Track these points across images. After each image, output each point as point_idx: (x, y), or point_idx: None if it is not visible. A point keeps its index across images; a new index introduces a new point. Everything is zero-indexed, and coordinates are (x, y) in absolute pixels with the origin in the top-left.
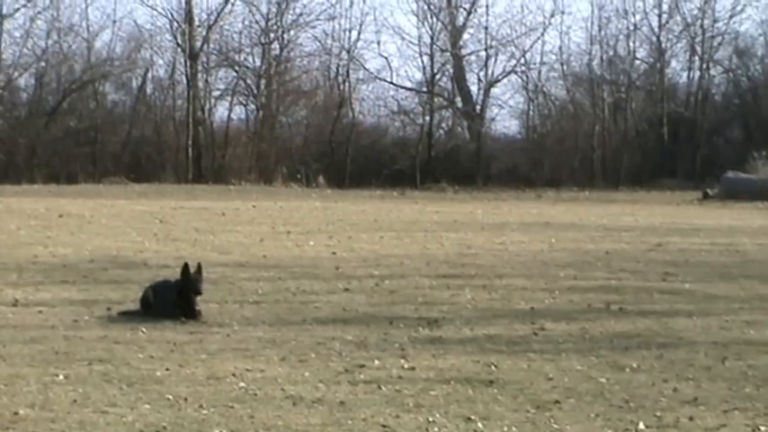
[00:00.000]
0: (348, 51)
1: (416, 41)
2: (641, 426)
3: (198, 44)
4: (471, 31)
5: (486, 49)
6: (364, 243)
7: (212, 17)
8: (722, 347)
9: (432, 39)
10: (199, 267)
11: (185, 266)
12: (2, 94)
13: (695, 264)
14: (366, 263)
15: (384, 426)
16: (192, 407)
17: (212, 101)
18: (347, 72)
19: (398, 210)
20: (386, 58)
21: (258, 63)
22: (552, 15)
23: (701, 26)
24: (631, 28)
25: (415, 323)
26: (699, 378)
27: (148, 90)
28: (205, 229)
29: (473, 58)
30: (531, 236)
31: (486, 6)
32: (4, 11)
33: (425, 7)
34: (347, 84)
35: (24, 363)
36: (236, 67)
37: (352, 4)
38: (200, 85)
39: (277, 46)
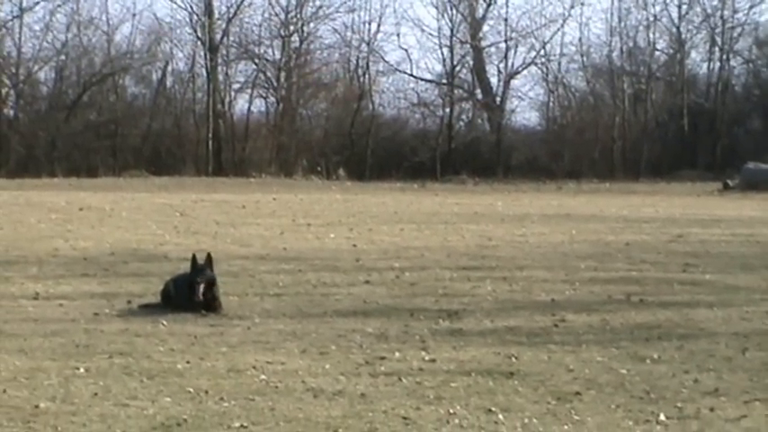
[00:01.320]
0: (368, 44)
1: (436, 33)
2: (662, 417)
3: (218, 37)
4: (491, 22)
5: (505, 41)
6: (385, 235)
7: (232, 10)
8: (743, 338)
9: (451, 31)
10: (208, 257)
11: (193, 257)
12: (22, 88)
13: (716, 255)
14: (386, 255)
15: (405, 418)
16: (213, 399)
17: (232, 94)
18: (367, 64)
19: (419, 202)
20: (405, 51)
21: (278, 56)
22: (572, 7)
23: (721, 17)
24: (651, 19)
25: (435, 315)
26: (720, 369)
27: (168, 83)
28: (225, 221)
29: (493, 49)
30: (551, 227)
31: None
32: (24, 4)
33: None
34: (367, 76)
35: (45, 356)
36: (256, 60)
37: None
38: (220, 77)
39: (297, 38)
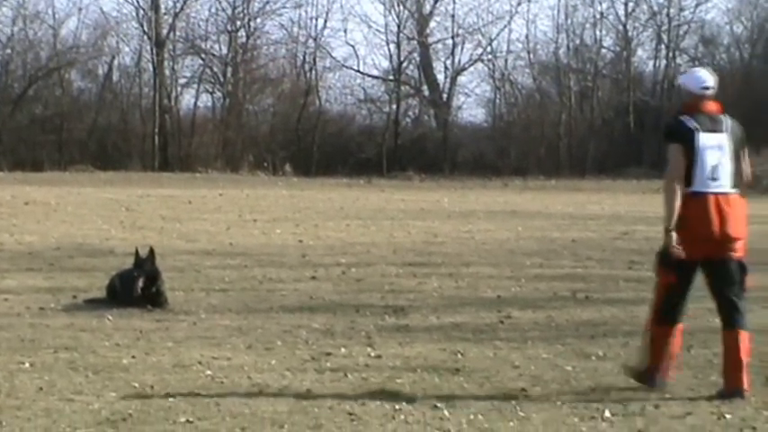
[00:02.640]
0: (315, 39)
1: (383, 29)
2: (607, 414)
3: (164, 32)
4: (438, 19)
5: (452, 38)
6: (331, 231)
7: (179, 4)
8: (687, 336)
9: (398, 27)
10: (151, 251)
11: (136, 252)
12: None
13: None
14: (333, 251)
15: (350, 413)
16: (159, 395)
17: (179, 89)
18: (314, 60)
19: (365, 198)
20: (352, 47)
21: (225, 51)
22: (519, 4)
23: (668, 15)
24: (598, 16)
25: (381, 311)
26: None
27: (115, 78)
28: (171, 216)
29: (440, 46)
30: (497, 224)
31: None
32: None
33: None
34: (314, 72)
35: None
36: (203, 55)
37: None
38: (167, 72)
39: (243, 34)
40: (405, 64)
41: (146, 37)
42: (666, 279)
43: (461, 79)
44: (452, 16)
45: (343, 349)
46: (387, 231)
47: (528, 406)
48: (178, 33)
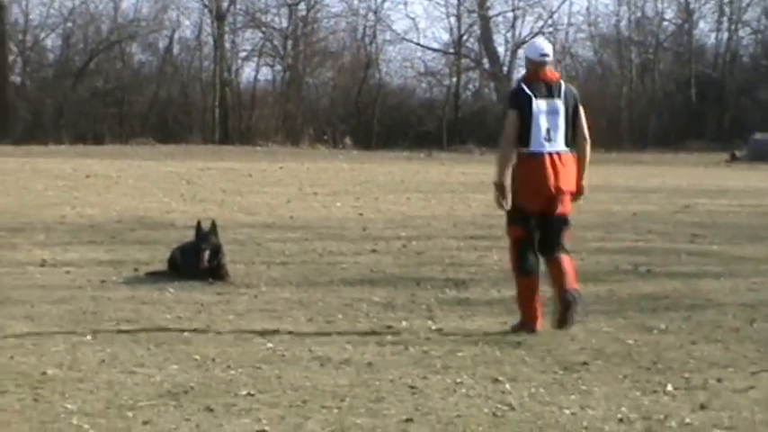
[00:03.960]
0: (375, 12)
1: (443, 2)
2: (669, 387)
3: (224, 5)
4: None
5: (513, 10)
6: (391, 204)
7: None
8: (750, 309)
9: (459, 0)
10: (213, 225)
11: (198, 225)
12: (29, 55)
13: (723, 225)
14: (393, 224)
15: (412, 387)
16: (220, 367)
17: (239, 62)
18: (374, 33)
19: (425, 171)
20: (413, 20)
21: (285, 24)
22: None
23: None
24: None
25: (442, 284)
26: (727, 340)
27: (175, 51)
28: (232, 189)
29: (500, 18)
30: None
31: None
32: None
33: None
34: (374, 45)
35: (52, 323)
36: (263, 28)
37: None
38: (227, 46)
39: (304, 7)
40: (465, 37)
41: (206, 10)
42: (516, 234)
43: (522, 52)
44: None
45: (404, 322)
46: (447, 204)
47: (589, 379)
48: (238, 6)
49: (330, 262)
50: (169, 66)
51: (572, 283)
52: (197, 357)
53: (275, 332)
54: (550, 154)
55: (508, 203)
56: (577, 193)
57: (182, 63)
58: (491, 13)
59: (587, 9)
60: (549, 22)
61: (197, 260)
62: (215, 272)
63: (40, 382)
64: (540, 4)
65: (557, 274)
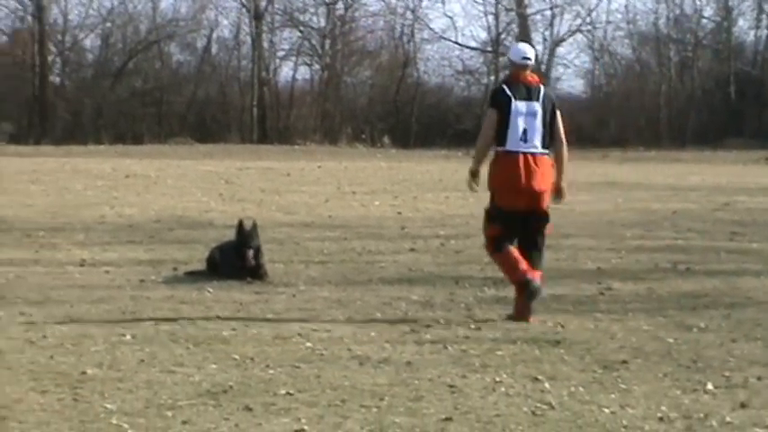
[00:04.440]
0: (413, 11)
1: (482, 1)
2: (709, 386)
3: (263, 4)
4: None
5: (551, 9)
6: (429, 203)
7: None
8: None
9: None
10: (253, 225)
11: (239, 224)
12: (68, 55)
13: (762, 223)
14: (431, 223)
15: (451, 386)
16: (259, 366)
17: (277, 61)
18: (412, 32)
19: (463, 169)
20: (451, 18)
21: (323, 23)
22: None
23: None
24: None
25: (480, 283)
26: (767, 338)
27: (213, 50)
28: (270, 189)
29: (538, 17)
30: (597, 195)
31: None
32: None
33: None
34: (412, 44)
35: (92, 322)
36: (301, 28)
37: None
38: (265, 45)
39: (341, 6)
40: (503, 35)
41: (244, 10)
42: (492, 233)
43: (560, 50)
44: None
45: (442, 321)
46: (485, 203)
47: (629, 378)
48: (276, 6)
49: (369, 261)
50: (207, 65)
51: (537, 274)
52: (236, 357)
53: (314, 331)
54: (525, 154)
55: (477, 187)
56: (556, 195)
57: (220, 63)
58: (529, 11)
59: (626, 7)
60: (588, 19)
61: (238, 259)
62: (254, 271)
63: (80, 381)
64: (579, 2)
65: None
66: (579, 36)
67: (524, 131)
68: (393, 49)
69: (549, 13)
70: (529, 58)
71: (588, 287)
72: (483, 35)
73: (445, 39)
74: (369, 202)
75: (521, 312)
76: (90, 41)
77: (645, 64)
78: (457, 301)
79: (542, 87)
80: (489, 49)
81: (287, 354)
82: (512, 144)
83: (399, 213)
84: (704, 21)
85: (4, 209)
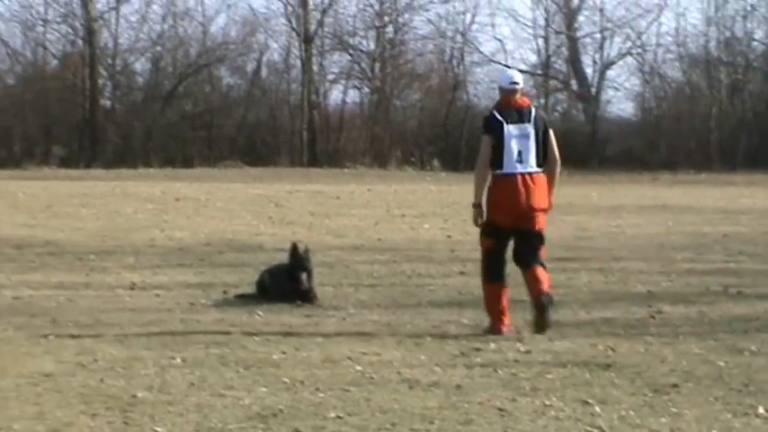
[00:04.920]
0: (462, 34)
1: (531, 24)
2: (761, 410)
3: (312, 28)
4: (586, 12)
5: (601, 31)
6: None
7: (326, 1)
8: None
9: (546, 21)
10: (305, 249)
11: (293, 247)
12: (118, 79)
13: None
14: None
15: (500, 409)
16: (309, 390)
17: (327, 84)
18: (461, 55)
19: None
20: (500, 41)
21: (372, 46)
22: None
23: None
24: (748, 9)
25: (530, 306)
26: None
27: (263, 74)
28: (320, 212)
29: (588, 40)
30: (647, 218)
31: None
32: None
33: None
34: (461, 67)
35: (142, 345)
36: (351, 51)
37: None
38: (315, 68)
39: (391, 29)
40: (553, 58)
41: (294, 33)
42: (486, 246)
43: (610, 73)
44: (601, 10)
45: (492, 344)
46: None
47: (680, 402)
48: (326, 29)
49: (418, 284)
50: (257, 89)
51: (544, 287)
52: (286, 380)
53: (364, 354)
54: (522, 174)
55: (482, 220)
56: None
57: (270, 86)
58: (579, 34)
59: (676, 30)
60: (638, 42)
61: (291, 282)
62: (304, 294)
63: (130, 405)
64: (629, 25)
65: (530, 282)
66: (629, 59)
67: (519, 153)
68: (443, 72)
69: (599, 35)
70: (517, 83)
71: (639, 310)
72: (533, 58)
73: (495, 62)
74: (418, 225)
75: (492, 328)
76: (140, 65)
77: (695, 87)
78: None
79: (533, 109)
80: (539, 72)
81: (337, 377)
82: (508, 166)
83: (449, 236)
84: (755, 43)
85: (55, 232)
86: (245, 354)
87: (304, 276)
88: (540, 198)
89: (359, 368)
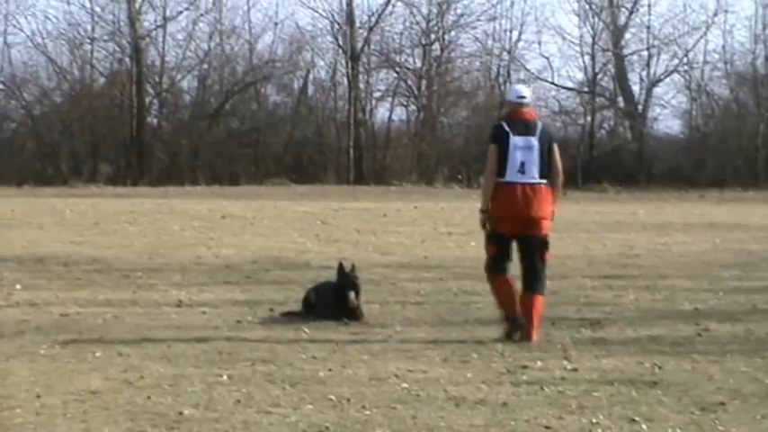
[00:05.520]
0: (509, 52)
1: (578, 41)
2: None
3: (359, 45)
4: (633, 30)
5: (648, 49)
6: None
7: (373, 19)
8: None
9: (593, 38)
10: (352, 267)
11: (340, 265)
12: (165, 97)
13: None
14: None
15: (547, 427)
16: (355, 407)
17: (373, 102)
18: (508, 72)
19: (560, 210)
20: (547, 59)
21: (419, 64)
22: (715, 14)
23: None
24: None
25: (577, 324)
26: None
27: (310, 91)
28: (366, 230)
29: (635, 57)
30: (694, 236)
31: (649, 5)
32: (168, 14)
33: (587, 7)
34: (508, 84)
35: (188, 363)
36: (397, 69)
37: (512, 4)
38: (362, 86)
39: (438, 47)
40: (599, 75)
41: (340, 51)
42: (491, 252)
43: (657, 90)
44: (648, 27)
45: (539, 362)
46: (582, 244)
47: (727, 420)
48: (372, 47)
49: (465, 302)
50: (304, 106)
51: (533, 326)
52: (332, 397)
53: (410, 372)
54: (523, 185)
55: (489, 225)
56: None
57: (316, 104)
58: (625, 51)
59: (723, 47)
60: (685, 60)
61: (341, 300)
62: (350, 312)
63: (177, 422)
64: (676, 43)
65: (524, 309)
66: (676, 76)
67: (522, 164)
68: (489, 90)
69: (645, 53)
70: (524, 97)
71: (685, 328)
72: (579, 75)
73: (541, 79)
74: (465, 243)
75: (510, 324)
76: (187, 83)
77: (742, 104)
78: (553, 342)
79: (539, 123)
80: (586, 89)
81: (383, 394)
82: (510, 175)
83: None
84: None
85: (102, 250)
86: (292, 371)
87: (352, 295)
88: (539, 207)
89: (405, 385)
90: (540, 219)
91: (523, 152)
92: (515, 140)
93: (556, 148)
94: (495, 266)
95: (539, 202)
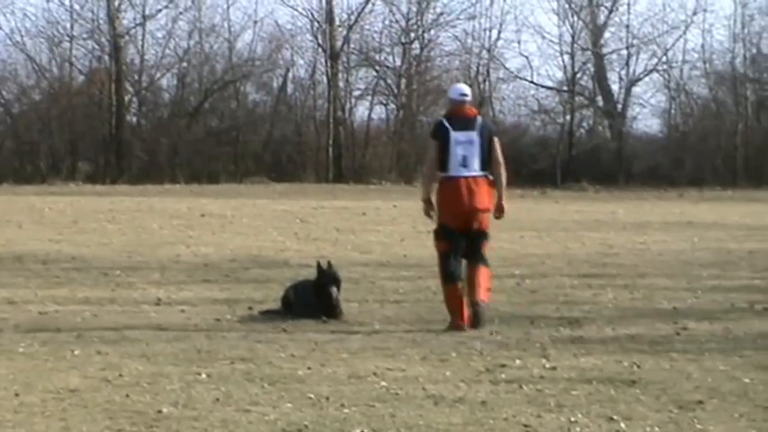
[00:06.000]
0: (488, 50)
1: (557, 40)
2: None
3: (338, 44)
4: (612, 29)
5: (627, 48)
6: (504, 242)
7: (353, 17)
8: None
9: (572, 37)
10: (329, 264)
11: (318, 265)
12: (144, 95)
13: None
14: (506, 262)
15: (526, 425)
16: (334, 406)
17: (353, 101)
18: (487, 71)
19: (539, 209)
20: (526, 57)
21: (398, 63)
22: (694, 13)
23: None
24: None
25: (556, 323)
26: None
27: (289, 90)
28: (346, 228)
29: (614, 56)
30: (673, 235)
31: (628, 5)
32: (147, 12)
33: (566, 6)
34: (487, 83)
35: (167, 361)
36: (377, 67)
37: (492, 3)
38: (341, 84)
39: (417, 45)
40: (579, 75)
41: (320, 49)
42: (441, 248)
43: (636, 89)
44: (627, 27)
45: (517, 361)
46: (561, 242)
47: (705, 418)
48: (352, 46)
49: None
50: (283, 105)
51: (481, 294)
52: (311, 396)
53: (389, 370)
54: (466, 178)
55: (435, 215)
56: (497, 211)
57: (296, 102)
58: (605, 50)
59: (702, 46)
60: (664, 59)
61: (323, 297)
62: (329, 310)
63: (156, 420)
64: (655, 42)
65: (471, 283)
66: (655, 75)
67: (464, 157)
68: None
69: (625, 52)
70: (466, 95)
71: (664, 327)
72: (559, 74)
73: (521, 78)
74: None
75: (454, 324)
76: (166, 81)
77: (721, 103)
78: (532, 341)
79: (479, 118)
80: (565, 88)
81: (362, 393)
82: (453, 170)
83: None
84: None
85: (81, 248)
86: (271, 369)
87: (335, 290)
88: (482, 199)
89: (384, 384)
90: (483, 211)
91: (464, 146)
92: (456, 136)
93: (497, 141)
94: (447, 271)
95: (481, 194)
